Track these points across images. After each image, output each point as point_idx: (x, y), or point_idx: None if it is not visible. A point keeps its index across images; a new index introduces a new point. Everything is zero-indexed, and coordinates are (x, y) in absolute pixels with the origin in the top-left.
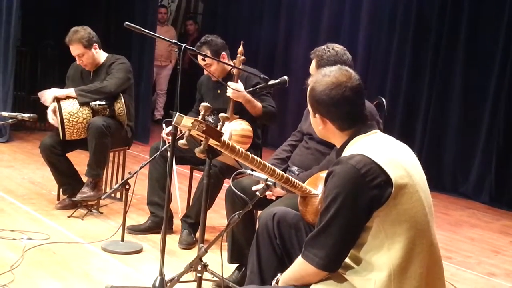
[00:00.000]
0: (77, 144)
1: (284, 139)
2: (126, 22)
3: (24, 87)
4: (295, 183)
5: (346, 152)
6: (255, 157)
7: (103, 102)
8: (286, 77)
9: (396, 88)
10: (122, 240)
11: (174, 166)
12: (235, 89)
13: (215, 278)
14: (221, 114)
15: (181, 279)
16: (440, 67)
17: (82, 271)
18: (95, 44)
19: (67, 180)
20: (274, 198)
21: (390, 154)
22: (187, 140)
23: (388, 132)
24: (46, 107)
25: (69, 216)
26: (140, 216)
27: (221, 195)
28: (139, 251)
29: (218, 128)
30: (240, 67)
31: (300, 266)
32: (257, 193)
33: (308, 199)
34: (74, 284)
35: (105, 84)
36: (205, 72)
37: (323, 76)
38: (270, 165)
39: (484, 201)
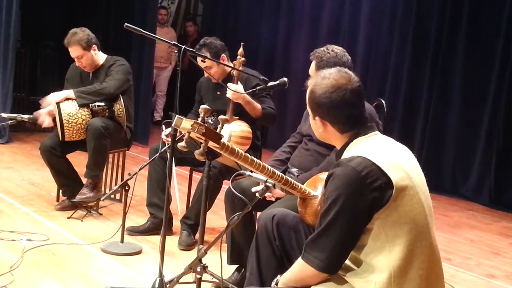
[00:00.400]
0: (77, 145)
1: (284, 141)
2: (126, 24)
3: (23, 88)
4: (294, 185)
5: (346, 154)
6: (255, 159)
7: (102, 104)
8: (285, 79)
9: (396, 89)
10: (122, 241)
11: (174, 168)
12: (234, 90)
13: (214, 280)
14: (221, 117)
15: (180, 280)
16: (439, 68)
17: (82, 272)
18: (94, 45)
19: (67, 181)
20: (273, 199)
21: (390, 156)
22: (187, 142)
23: (387, 133)
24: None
25: (68, 217)
26: (139, 217)
27: (221, 196)
28: (139, 252)
29: (218, 130)
30: (240, 68)
31: (300, 268)
32: (257, 194)
33: (307, 201)
34: (73, 285)
35: (105, 85)
36: (205, 74)
37: (322, 79)
38: (269, 167)
39: (484, 202)
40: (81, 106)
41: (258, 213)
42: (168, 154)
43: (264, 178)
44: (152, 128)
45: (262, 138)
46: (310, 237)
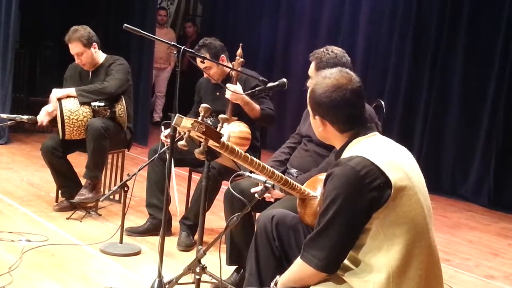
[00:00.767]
0: (77, 145)
1: (283, 141)
2: (125, 24)
3: (23, 89)
4: (293, 185)
5: (345, 154)
6: (254, 159)
7: (102, 104)
8: (285, 80)
9: (395, 89)
10: (121, 242)
11: (173, 168)
12: (233, 91)
13: (213, 280)
14: (221, 116)
15: (179, 281)
16: (439, 69)
17: (81, 273)
18: (94, 43)
19: (67, 182)
20: (272, 200)
21: (389, 156)
22: (187, 141)
23: (387, 134)
24: None
25: (67, 218)
26: (138, 218)
27: (220, 197)
28: (138, 253)
29: (218, 130)
30: (239, 69)
31: (299, 268)
32: (256, 195)
33: (306, 201)
34: (72, 286)
35: (106, 85)
36: (205, 75)
37: (323, 78)
38: (268, 167)
39: (483, 203)
40: (82, 104)
41: (257, 214)
42: (167, 155)
43: (263, 178)
44: (151, 129)
45: (261, 139)
46: (309, 237)
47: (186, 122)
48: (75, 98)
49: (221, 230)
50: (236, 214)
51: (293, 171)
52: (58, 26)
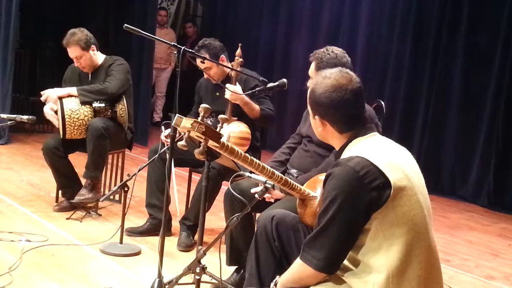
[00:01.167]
0: (78, 145)
1: (283, 142)
2: (125, 25)
3: (23, 89)
4: (293, 186)
5: (345, 154)
6: (254, 159)
7: (103, 104)
8: (285, 80)
9: (395, 90)
10: (121, 242)
11: (173, 169)
12: (233, 91)
13: (213, 281)
14: (221, 116)
15: (179, 281)
16: (439, 70)
17: (81, 273)
18: (92, 45)
19: (68, 182)
20: (272, 200)
21: (389, 157)
22: (187, 141)
23: (387, 134)
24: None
25: (67, 218)
26: (138, 218)
27: (220, 197)
28: (138, 253)
29: (218, 130)
30: (239, 69)
31: (298, 268)
32: (256, 195)
33: (306, 202)
34: (72, 286)
35: (107, 85)
36: (205, 75)
37: (323, 78)
38: (269, 168)
39: (483, 204)
40: (83, 103)
41: (257, 214)
42: (167, 155)
43: (263, 179)
44: (151, 129)
45: (261, 139)
46: (309, 237)
47: (186, 123)
48: (76, 98)
49: (221, 230)
50: (236, 214)
51: (293, 171)
52: (59, 26)
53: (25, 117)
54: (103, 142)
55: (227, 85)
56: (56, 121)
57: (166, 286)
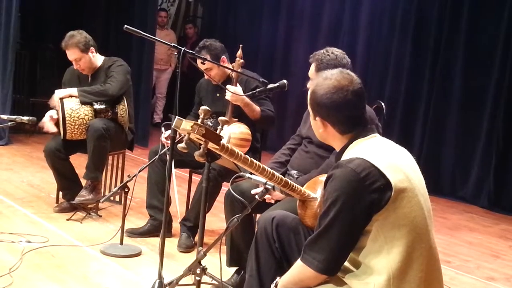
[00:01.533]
0: (79, 147)
1: (283, 143)
2: (126, 26)
3: (23, 90)
4: (294, 187)
5: (345, 156)
6: (254, 161)
7: (103, 105)
8: (285, 81)
9: (395, 91)
10: (121, 243)
11: (173, 170)
12: (233, 92)
13: (214, 282)
14: (221, 118)
15: (180, 283)
16: (439, 71)
17: (81, 274)
18: (91, 48)
19: (69, 184)
20: (273, 201)
21: (389, 158)
22: (187, 143)
23: (387, 135)
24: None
25: (68, 219)
26: (139, 219)
27: (220, 198)
28: (138, 254)
29: (218, 132)
30: (239, 70)
31: (299, 270)
32: (256, 196)
33: (307, 203)
34: (72, 287)
35: (107, 87)
36: (205, 76)
37: (324, 79)
38: (269, 169)
39: (483, 205)
40: (83, 104)
41: (258, 215)
42: (167, 156)
43: (263, 180)
44: (151, 130)
45: (261, 140)
46: (309, 238)
47: (186, 125)
48: (77, 98)
49: (221, 231)
50: (237, 215)
51: (294, 172)
52: (59, 27)
53: (25, 118)
54: (104, 143)
55: (228, 86)
56: (52, 127)
57: (167, 287)
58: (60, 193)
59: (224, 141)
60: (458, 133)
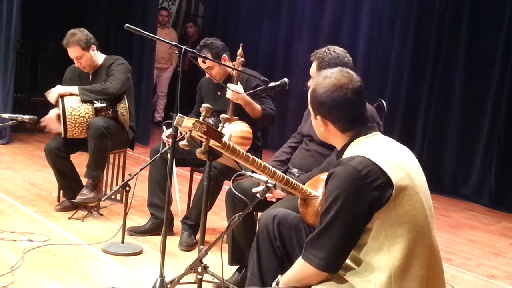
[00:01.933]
0: (79, 145)
1: (284, 141)
2: (127, 24)
3: (24, 89)
4: (295, 185)
5: (346, 154)
6: (256, 159)
7: (104, 104)
8: (286, 79)
9: (397, 90)
10: (123, 241)
11: (174, 168)
12: (234, 91)
13: (215, 280)
14: (222, 115)
15: (181, 281)
16: (440, 70)
17: (82, 272)
18: (93, 45)
19: (70, 183)
20: (274, 200)
21: (390, 156)
22: (188, 141)
23: (388, 134)
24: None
25: (69, 218)
26: (140, 217)
27: (221, 196)
28: (139, 253)
29: (219, 129)
30: (240, 69)
31: (300, 267)
32: (258, 195)
33: (308, 201)
34: (74, 286)
35: (108, 85)
36: (206, 75)
37: (324, 78)
38: (270, 167)
39: (485, 203)
40: (84, 102)
41: (259, 214)
42: (168, 154)
43: (265, 178)
44: (152, 129)
45: (262, 138)
46: (311, 236)
47: (188, 122)
48: (77, 96)
49: (222, 229)
50: (238, 213)
51: (295, 170)
52: (60, 26)
53: (26, 116)
54: (104, 141)
55: (229, 85)
56: (57, 128)
57: (168, 286)
58: (61, 191)
59: (225, 139)
60: (460, 132)
